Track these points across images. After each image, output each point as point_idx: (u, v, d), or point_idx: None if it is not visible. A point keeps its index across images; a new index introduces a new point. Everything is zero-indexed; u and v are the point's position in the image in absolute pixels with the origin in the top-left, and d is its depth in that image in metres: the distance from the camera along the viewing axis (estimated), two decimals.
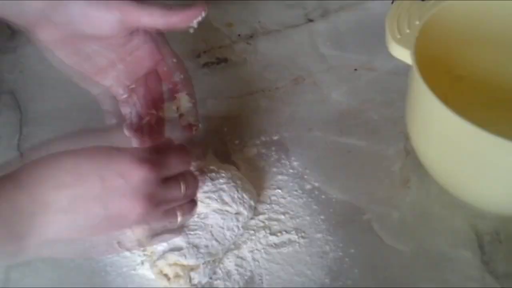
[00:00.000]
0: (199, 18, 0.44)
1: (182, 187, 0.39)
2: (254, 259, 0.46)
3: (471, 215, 0.48)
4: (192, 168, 0.45)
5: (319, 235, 0.47)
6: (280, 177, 0.52)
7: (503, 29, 0.51)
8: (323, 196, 0.50)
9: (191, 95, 0.46)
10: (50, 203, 0.35)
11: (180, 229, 0.43)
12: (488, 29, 0.51)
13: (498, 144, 0.37)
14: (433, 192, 0.50)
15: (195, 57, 0.65)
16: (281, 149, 0.54)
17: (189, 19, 0.44)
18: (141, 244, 0.39)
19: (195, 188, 0.42)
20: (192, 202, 0.42)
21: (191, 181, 0.41)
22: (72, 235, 0.36)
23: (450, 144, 0.43)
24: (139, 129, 0.46)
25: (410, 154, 0.53)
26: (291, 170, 0.52)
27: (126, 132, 0.45)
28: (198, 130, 0.46)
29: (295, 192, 0.50)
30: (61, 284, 0.45)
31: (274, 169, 0.52)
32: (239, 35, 0.68)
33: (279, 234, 0.47)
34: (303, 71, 0.63)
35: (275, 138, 0.56)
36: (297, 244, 0.47)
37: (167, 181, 0.38)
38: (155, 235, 0.39)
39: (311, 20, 0.69)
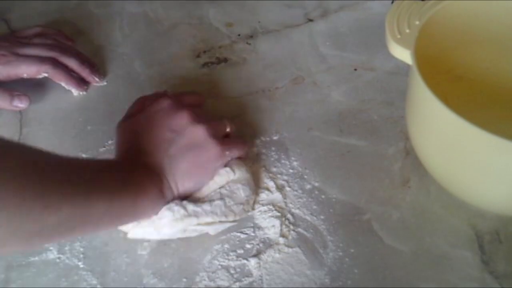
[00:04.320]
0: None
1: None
2: (254, 259, 0.46)
3: (471, 215, 0.48)
4: None
5: (319, 235, 0.47)
6: (280, 177, 0.52)
7: (503, 29, 0.51)
8: (323, 196, 0.50)
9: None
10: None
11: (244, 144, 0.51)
12: (488, 29, 0.51)
13: (498, 144, 0.37)
14: (433, 192, 0.50)
15: (195, 57, 0.65)
16: (281, 149, 0.54)
17: None
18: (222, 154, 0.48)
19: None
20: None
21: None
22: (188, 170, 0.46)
23: (450, 144, 0.43)
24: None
25: (410, 154, 0.53)
26: (291, 170, 0.52)
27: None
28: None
29: (295, 192, 0.50)
30: (61, 284, 0.45)
31: (274, 169, 0.52)
32: (239, 35, 0.68)
33: (279, 234, 0.47)
34: (303, 71, 0.63)
35: (275, 138, 0.56)
36: (297, 244, 0.47)
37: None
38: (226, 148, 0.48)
39: (311, 20, 0.69)
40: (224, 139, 0.49)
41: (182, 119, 0.47)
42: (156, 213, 0.45)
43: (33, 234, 0.35)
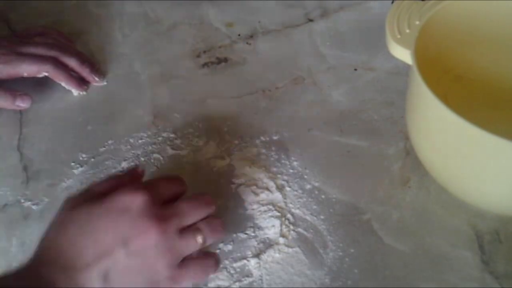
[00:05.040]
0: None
1: (199, 238, 0.39)
2: (254, 259, 0.46)
3: (471, 215, 0.48)
4: None
5: (319, 235, 0.47)
6: (280, 177, 0.52)
7: (503, 29, 0.51)
8: (323, 196, 0.50)
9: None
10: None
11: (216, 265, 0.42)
12: (488, 29, 0.51)
13: (498, 144, 0.37)
14: (433, 192, 0.50)
15: (195, 57, 0.65)
16: (281, 149, 0.54)
17: None
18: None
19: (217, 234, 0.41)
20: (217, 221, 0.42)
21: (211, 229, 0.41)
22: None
23: (450, 144, 0.43)
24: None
25: (410, 154, 0.53)
26: (291, 170, 0.52)
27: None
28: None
29: (295, 192, 0.50)
30: None
31: (274, 169, 0.52)
32: (239, 35, 0.68)
33: (279, 234, 0.47)
34: (303, 71, 0.63)
35: (275, 138, 0.56)
36: (297, 244, 0.47)
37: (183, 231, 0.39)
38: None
39: (311, 20, 0.69)
40: (182, 267, 0.38)
41: (145, 238, 0.36)
42: None
43: None
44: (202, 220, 0.41)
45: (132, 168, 0.45)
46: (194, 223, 0.40)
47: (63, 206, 0.39)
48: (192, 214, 0.40)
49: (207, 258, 0.42)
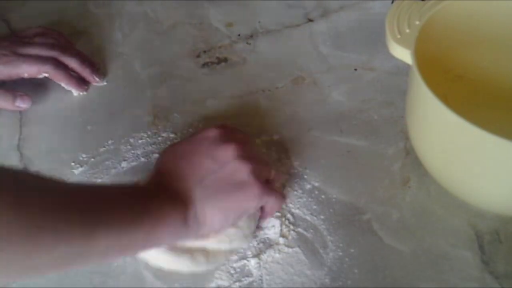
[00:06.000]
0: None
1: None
2: (254, 259, 0.46)
3: (471, 215, 0.48)
4: None
5: (319, 235, 0.47)
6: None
7: (503, 29, 0.51)
8: (323, 196, 0.50)
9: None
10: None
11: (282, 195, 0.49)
12: (488, 29, 0.51)
13: (498, 144, 0.37)
14: (433, 192, 0.50)
15: (195, 57, 0.65)
16: (281, 149, 0.54)
17: None
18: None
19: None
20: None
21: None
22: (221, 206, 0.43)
23: (450, 144, 0.43)
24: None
25: (410, 154, 0.53)
26: (291, 170, 0.52)
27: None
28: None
29: (295, 192, 0.50)
30: (61, 284, 0.45)
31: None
32: (239, 35, 0.68)
33: (279, 234, 0.47)
34: (303, 71, 0.63)
35: (275, 138, 0.56)
36: (297, 244, 0.47)
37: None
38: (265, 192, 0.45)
39: (311, 20, 0.69)
40: (265, 183, 0.45)
41: (227, 151, 0.44)
42: (176, 241, 0.44)
43: (22, 272, 0.34)
44: None
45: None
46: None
47: (161, 153, 0.48)
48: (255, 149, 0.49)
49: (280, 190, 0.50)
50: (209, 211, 0.42)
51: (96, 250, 0.36)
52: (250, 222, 0.46)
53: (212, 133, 0.47)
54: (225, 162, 0.44)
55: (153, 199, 0.41)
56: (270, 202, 0.46)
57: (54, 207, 0.34)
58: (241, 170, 0.44)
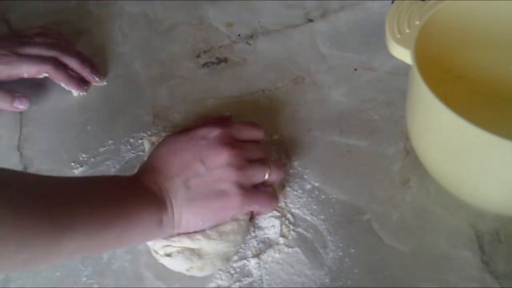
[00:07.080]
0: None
1: (266, 169, 0.47)
2: (254, 259, 0.46)
3: (471, 215, 0.48)
4: None
5: (319, 235, 0.47)
6: None
7: (503, 29, 0.51)
8: (323, 196, 0.50)
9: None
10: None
11: (276, 198, 0.49)
12: (488, 29, 0.51)
13: (498, 144, 0.37)
14: (433, 192, 0.50)
15: (195, 57, 0.65)
16: (281, 149, 0.54)
17: None
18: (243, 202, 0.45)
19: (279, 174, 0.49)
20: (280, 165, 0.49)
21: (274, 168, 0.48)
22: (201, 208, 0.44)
23: (450, 144, 0.43)
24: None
25: (410, 154, 0.53)
26: (291, 170, 0.52)
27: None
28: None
29: (295, 192, 0.50)
30: (61, 284, 0.45)
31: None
32: (239, 35, 0.68)
33: (279, 234, 0.47)
34: (303, 71, 0.63)
35: (275, 138, 0.56)
36: (297, 244, 0.47)
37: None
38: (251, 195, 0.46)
39: (311, 20, 0.69)
40: (251, 191, 0.46)
41: (219, 157, 0.44)
42: (147, 241, 0.45)
43: None
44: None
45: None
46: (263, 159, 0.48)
47: (160, 141, 0.49)
48: (255, 148, 0.48)
49: (271, 191, 0.48)
50: (185, 215, 0.43)
51: (64, 252, 0.37)
52: (243, 227, 0.47)
53: (213, 133, 0.46)
54: (213, 167, 0.44)
55: (131, 198, 0.41)
56: (256, 208, 0.47)
57: (21, 211, 0.34)
58: (226, 179, 0.44)
